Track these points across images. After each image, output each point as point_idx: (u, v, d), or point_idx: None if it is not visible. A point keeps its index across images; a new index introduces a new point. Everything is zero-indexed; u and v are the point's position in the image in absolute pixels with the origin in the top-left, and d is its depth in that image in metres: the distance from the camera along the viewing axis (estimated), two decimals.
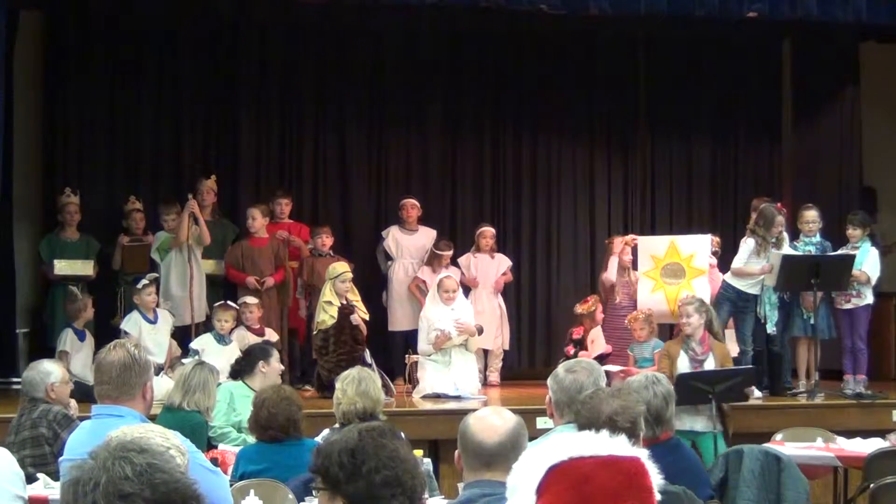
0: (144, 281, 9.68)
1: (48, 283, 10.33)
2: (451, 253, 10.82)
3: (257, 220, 10.45)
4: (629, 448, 2.05)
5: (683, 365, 8.20)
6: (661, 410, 4.87)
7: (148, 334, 9.46)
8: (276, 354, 7.77)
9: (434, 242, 10.87)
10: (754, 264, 9.42)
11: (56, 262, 10.09)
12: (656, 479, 2.05)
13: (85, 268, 10.14)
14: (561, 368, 4.68)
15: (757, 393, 9.37)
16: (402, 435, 2.85)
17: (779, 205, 9.93)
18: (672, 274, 10.49)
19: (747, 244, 9.51)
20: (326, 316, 9.40)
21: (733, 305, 9.51)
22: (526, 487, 2.03)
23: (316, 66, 11.65)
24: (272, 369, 7.59)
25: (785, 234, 9.85)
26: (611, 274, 10.41)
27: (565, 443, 2.05)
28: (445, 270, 10.55)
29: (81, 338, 9.70)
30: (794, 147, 12.39)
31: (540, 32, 11.59)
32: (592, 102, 12.17)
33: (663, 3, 9.64)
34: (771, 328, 9.57)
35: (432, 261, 10.76)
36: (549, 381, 4.68)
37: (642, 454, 2.06)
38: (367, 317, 9.78)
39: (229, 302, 9.74)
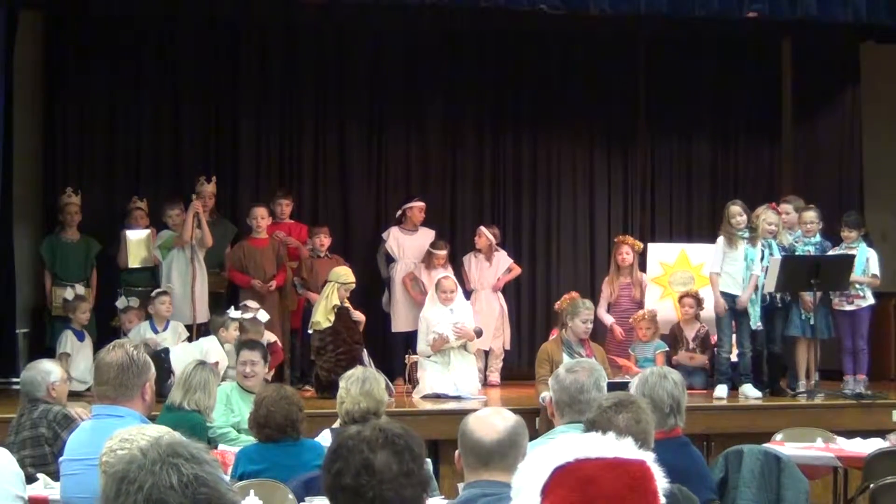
0: (159, 290, 9.71)
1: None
2: (445, 252, 10.77)
3: (265, 220, 10.45)
4: (635, 451, 2.05)
5: None
6: (680, 399, 4.83)
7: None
8: (243, 352, 7.77)
9: (431, 242, 10.86)
10: (735, 258, 9.41)
11: (55, 289, 10.10)
12: (662, 482, 2.05)
13: (82, 291, 10.14)
14: (562, 368, 4.67)
15: (756, 393, 9.37)
16: (401, 431, 2.80)
17: (772, 204, 9.93)
18: (681, 282, 10.50)
19: (718, 243, 9.57)
20: (323, 318, 9.39)
21: (732, 311, 9.50)
22: (530, 488, 2.03)
23: (316, 66, 11.65)
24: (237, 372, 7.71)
25: (804, 232, 9.82)
26: (604, 319, 10.30)
27: (571, 444, 2.05)
28: (443, 270, 10.54)
29: (80, 338, 9.71)
30: (794, 147, 12.39)
31: (540, 32, 11.59)
32: (592, 102, 12.16)
33: (663, 3, 9.64)
34: (755, 324, 9.51)
35: (427, 259, 10.75)
36: (550, 381, 4.68)
37: (648, 457, 2.06)
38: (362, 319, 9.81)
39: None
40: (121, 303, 9.94)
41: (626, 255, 10.59)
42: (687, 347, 10.16)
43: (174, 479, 1.89)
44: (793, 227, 9.94)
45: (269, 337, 9.72)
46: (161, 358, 8.75)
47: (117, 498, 1.89)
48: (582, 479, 2.00)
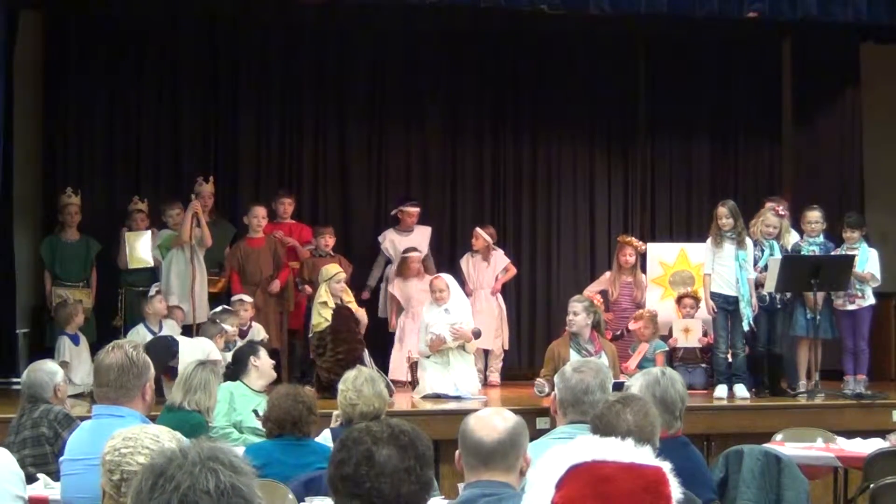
0: (154, 289, 9.71)
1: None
2: (417, 255, 10.67)
3: (264, 220, 10.48)
4: (653, 459, 2.08)
5: None
6: (686, 400, 4.83)
7: None
8: (263, 349, 7.80)
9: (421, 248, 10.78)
10: (724, 259, 9.41)
11: (55, 289, 10.12)
12: (676, 491, 2.08)
13: (84, 294, 10.15)
14: (568, 367, 4.65)
15: (745, 393, 9.35)
16: (408, 429, 2.80)
17: (777, 207, 9.93)
18: (681, 282, 10.49)
19: (706, 244, 9.59)
20: (321, 318, 9.39)
21: (724, 312, 9.50)
22: (545, 480, 2.06)
23: (316, 66, 11.65)
24: (263, 362, 7.63)
25: (807, 232, 9.80)
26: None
27: (589, 445, 2.10)
28: (418, 281, 10.53)
29: (76, 342, 9.70)
30: (794, 147, 12.39)
31: (540, 32, 11.59)
32: (592, 103, 12.16)
33: (663, 3, 9.65)
34: (746, 325, 9.48)
35: (401, 268, 10.69)
36: (555, 379, 4.66)
37: (665, 466, 2.09)
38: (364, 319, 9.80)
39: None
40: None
41: (629, 256, 10.59)
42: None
43: (211, 484, 1.88)
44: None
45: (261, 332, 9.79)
46: (169, 342, 8.80)
47: (152, 491, 1.89)
48: (598, 476, 2.05)
